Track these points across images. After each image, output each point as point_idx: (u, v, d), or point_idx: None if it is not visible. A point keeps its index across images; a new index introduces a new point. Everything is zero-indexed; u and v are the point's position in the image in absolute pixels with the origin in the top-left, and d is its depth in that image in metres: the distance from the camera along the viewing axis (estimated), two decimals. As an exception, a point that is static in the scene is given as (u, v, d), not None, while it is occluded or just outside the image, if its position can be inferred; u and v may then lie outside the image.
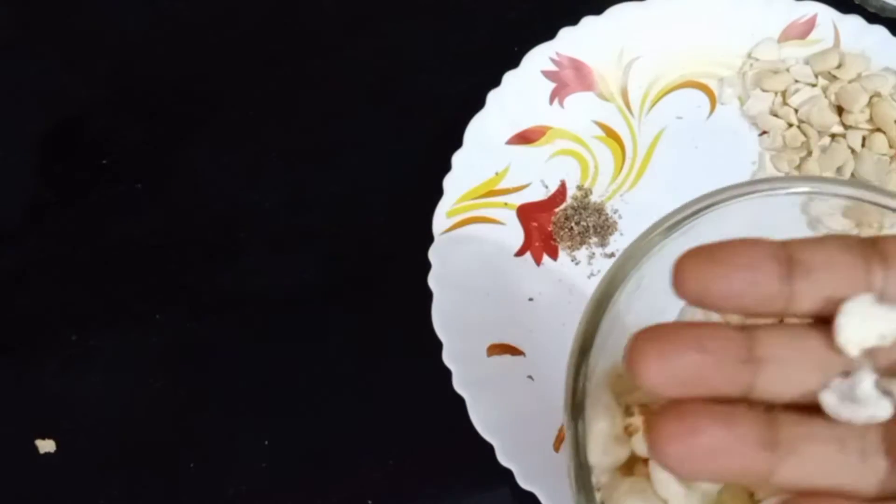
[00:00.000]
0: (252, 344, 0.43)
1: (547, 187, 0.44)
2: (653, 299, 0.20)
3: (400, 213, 0.45)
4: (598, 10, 0.46)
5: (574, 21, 0.46)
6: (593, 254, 0.43)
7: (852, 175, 0.43)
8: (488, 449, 0.38)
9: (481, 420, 0.38)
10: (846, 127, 0.44)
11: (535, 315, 0.42)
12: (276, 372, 0.43)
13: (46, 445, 0.41)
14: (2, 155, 0.48)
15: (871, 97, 0.43)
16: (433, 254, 0.41)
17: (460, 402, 0.38)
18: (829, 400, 0.18)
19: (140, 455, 0.41)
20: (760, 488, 0.21)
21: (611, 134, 0.46)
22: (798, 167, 0.44)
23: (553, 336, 0.41)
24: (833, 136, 0.44)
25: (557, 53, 0.46)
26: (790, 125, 0.44)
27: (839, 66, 0.44)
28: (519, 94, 0.45)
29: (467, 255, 0.42)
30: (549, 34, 0.46)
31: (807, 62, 0.45)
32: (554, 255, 0.43)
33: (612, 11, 0.46)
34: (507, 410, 0.38)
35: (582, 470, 0.22)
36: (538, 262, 0.43)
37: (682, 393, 0.18)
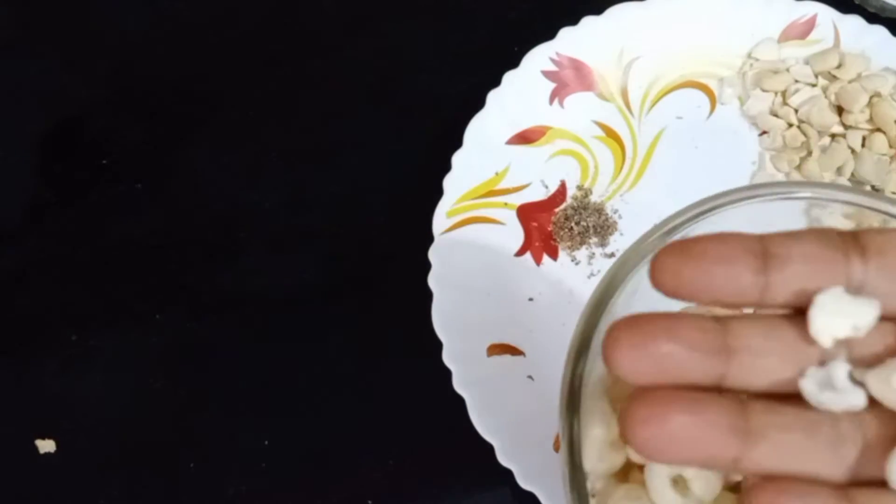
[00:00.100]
0: (252, 344, 0.43)
1: (547, 187, 0.44)
2: (651, 302, 0.20)
3: (400, 213, 0.45)
4: (598, 10, 0.46)
5: (574, 21, 0.46)
6: (593, 254, 0.43)
7: (852, 175, 0.43)
8: (488, 449, 0.38)
9: (481, 420, 0.38)
10: (846, 127, 0.44)
11: (535, 315, 0.42)
12: (276, 372, 0.43)
13: (46, 445, 0.41)
14: (2, 155, 0.48)
15: (871, 97, 0.43)
16: (433, 254, 0.41)
17: (460, 402, 0.38)
18: (808, 388, 0.19)
19: (140, 455, 0.41)
20: (731, 474, 0.21)
21: (611, 134, 0.46)
22: (798, 167, 0.44)
23: (553, 336, 0.41)
24: (833, 136, 0.44)
25: (557, 53, 0.46)
26: (790, 125, 0.44)
27: (839, 66, 0.44)
28: (519, 94, 0.45)
29: (467, 255, 0.42)
30: (549, 34, 0.46)
31: (807, 62, 0.45)
32: (554, 255, 0.43)
33: (612, 11, 0.46)
34: (507, 410, 0.38)
35: (576, 472, 0.22)
36: (538, 262, 0.43)
37: (655, 381, 0.18)
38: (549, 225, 0.44)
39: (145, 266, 0.45)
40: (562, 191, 0.44)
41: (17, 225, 0.46)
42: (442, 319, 0.40)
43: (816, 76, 0.45)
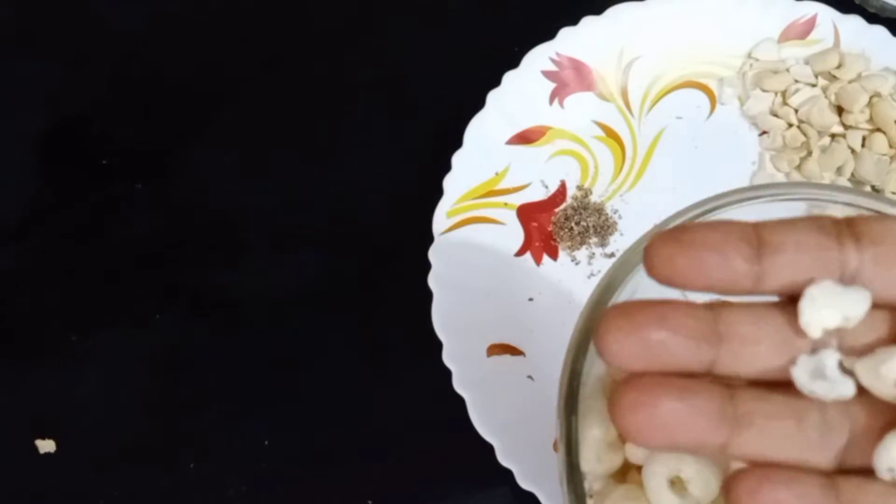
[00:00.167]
0: (252, 344, 0.43)
1: (547, 187, 0.44)
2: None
3: (400, 213, 0.45)
4: (598, 10, 0.46)
5: (574, 21, 0.46)
6: (593, 254, 0.43)
7: (852, 175, 0.43)
8: (488, 449, 0.38)
9: (481, 420, 0.38)
10: (846, 127, 0.44)
11: (535, 315, 0.42)
12: (276, 372, 0.43)
13: (46, 445, 0.41)
14: (2, 155, 0.48)
15: (871, 97, 0.43)
16: (433, 254, 0.41)
17: (460, 402, 0.38)
18: (799, 377, 0.19)
19: (140, 455, 0.41)
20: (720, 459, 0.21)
21: (611, 134, 0.46)
22: (798, 167, 0.44)
23: (553, 336, 0.41)
24: (833, 136, 0.44)
25: (557, 53, 0.46)
26: (790, 125, 0.44)
27: (839, 66, 0.44)
28: (519, 94, 0.45)
29: (467, 255, 0.42)
30: (549, 34, 0.46)
31: (807, 62, 0.45)
32: (554, 255, 0.43)
33: (612, 11, 0.46)
34: (507, 410, 0.38)
35: (574, 472, 0.22)
36: (538, 262, 0.43)
37: (645, 367, 0.18)
38: (549, 225, 0.44)
39: (145, 266, 0.45)
40: (562, 191, 0.45)
41: (17, 225, 0.46)
42: (442, 319, 0.40)
43: (816, 76, 0.45)
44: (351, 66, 0.49)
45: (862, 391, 0.19)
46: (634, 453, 0.23)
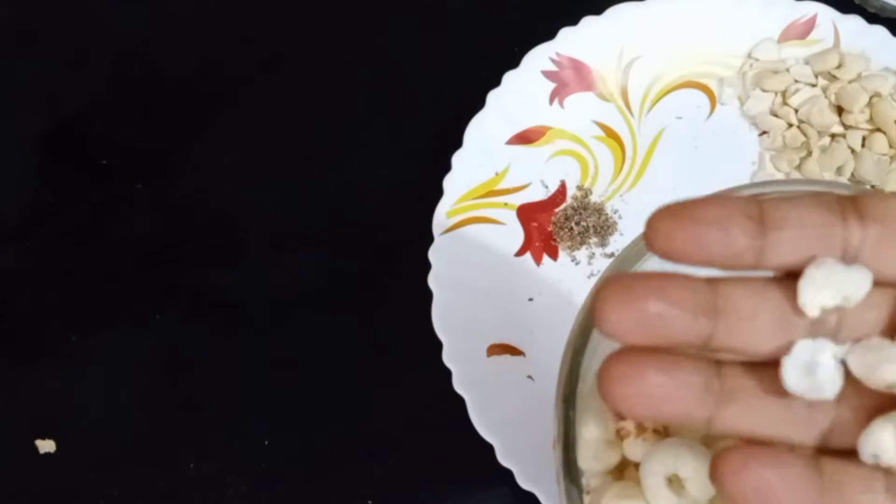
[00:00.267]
0: (252, 344, 0.43)
1: (547, 187, 0.44)
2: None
3: (400, 213, 0.45)
4: (598, 10, 0.46)
5: (574, 21, 0.46)
6: (593, 254, 0.43)
7: (852, 175, 0.43)
8: (488, 449, 0.38)
9: (481, 420, 0.38)
10: (846, 127, 0.44)
11: (535, 315, 0.42)
12: (276, 372, 0.43)
13: (46, 445, 0.41)
14: (2, 155, 0.48)
15: (871, 97, 0.43)
16: (433, 254, 0.41)
17: (460, 402, 0.38)
18: (787, 375, 0.18)
19: (140, 455, 0.41)
20: (707, 434, 0.21)
21: (611, 134, 0.46)
22: (798, 167, 0.44)
23: (553, 336, 0.40)
24: (833, 136, 0.44)
25: (557, 53, 0.46)
26: (790, 125, 0.44)
27: (839, 66, 0.44)
28: (519, 94, 0.45)
29: (467, 255, 0.42)
30: (549, 34, 0.46)
31: (807, 62, 0.45)
32: (554, 255, 0.43)
33: (612, 11, 0.46)
34: (507, 410, 0.38)
35: (570, 468, 0.22)
36: (538, 262, 0.43)
37: (642, 341, 0.18)
38: (549, 225, 0.44)
39: (145, 266, 0.45)
40: (562, 191, 0.44)
41: (17, 225, 0.46)
42: (442, 319, 0.40)
43: (816, 76, 0.45)
44: (351, 66, 0.49)
45: (850, 375, 0.19)
46: (632, 451, 0.23)
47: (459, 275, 0.41)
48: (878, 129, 0.43)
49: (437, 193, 0.43)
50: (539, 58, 0.45)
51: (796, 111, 0.44)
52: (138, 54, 0.51)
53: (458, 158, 0.43)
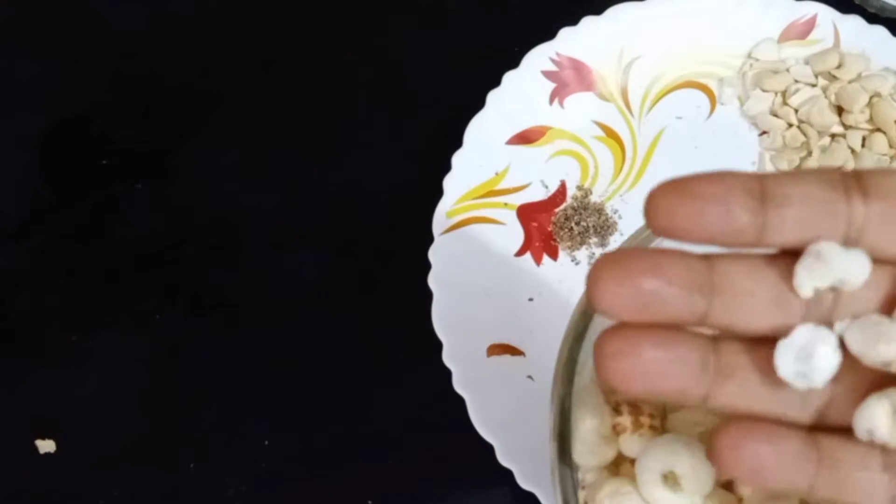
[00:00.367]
0: (252, 344, 0.43)
1: (547, 187, 0.44)
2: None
3: (400, 213, 0.45)
4: (598, 10, 0.46)
5: (574, 21, 0.46)
6: (593, 254, 0.43)
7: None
8: (488, 449, 0.38)
9: (481, 420, 0.38)
10: (846, 127, 0.44)
11: (535, 315, 0.42)
12: (276, 372, 0.43)
13: (46, 445, 0.41)
14: (2, 155, 0.48)
15: (871, 97, 0.43)
16: (433, 254, 0.41)
17: (460, 402, 0.38)
18: (782, 357, 0.18)
19: (140, 455, 0.41)
20: (704, 410, 0.21)
21: (611, 134, 0.46)
22: (798, 167, 0.44)
23: (553, 336, 0.40)
24: (833, 136, 0.44)
25: (557, 53, 0.46)
26: (790, 125, 0.44)
27: (839, 66, 0.44)
28: (519, 94, 0.45)
29: (467, 255, 0.42)
30: (549, 34, 0.46)
31: (807, 62, 0.45)
32: (554, 255, 0.43)
33: (612, 11, 0.46)
34: (507, 410, 0.38)
35: (565, 458, 0.22)
36: (538, 262, 0.43)
37: (637, 317, 0.18)
38: (549, 225, 0.44)
39: (145, 266, 0.45)
40: (562, 191, 0.44)
41: (17, 225, 0.46)
42: (442, 319, 0.40)
43: (816, 76, 0.45)
44: (351, 66, 0.49)
45: (847, 352, 0.19)
46: (628, 446, 0.23)
47: (459, 275, 0.41)
48: (878, 129, 0.43)
49: (437, 193, 0.43)
50: (539, 58, 0.45)
51: (796, 111, 0.44)
52: (138, 54, 0.50)
53: (458, 158, 0.43)
